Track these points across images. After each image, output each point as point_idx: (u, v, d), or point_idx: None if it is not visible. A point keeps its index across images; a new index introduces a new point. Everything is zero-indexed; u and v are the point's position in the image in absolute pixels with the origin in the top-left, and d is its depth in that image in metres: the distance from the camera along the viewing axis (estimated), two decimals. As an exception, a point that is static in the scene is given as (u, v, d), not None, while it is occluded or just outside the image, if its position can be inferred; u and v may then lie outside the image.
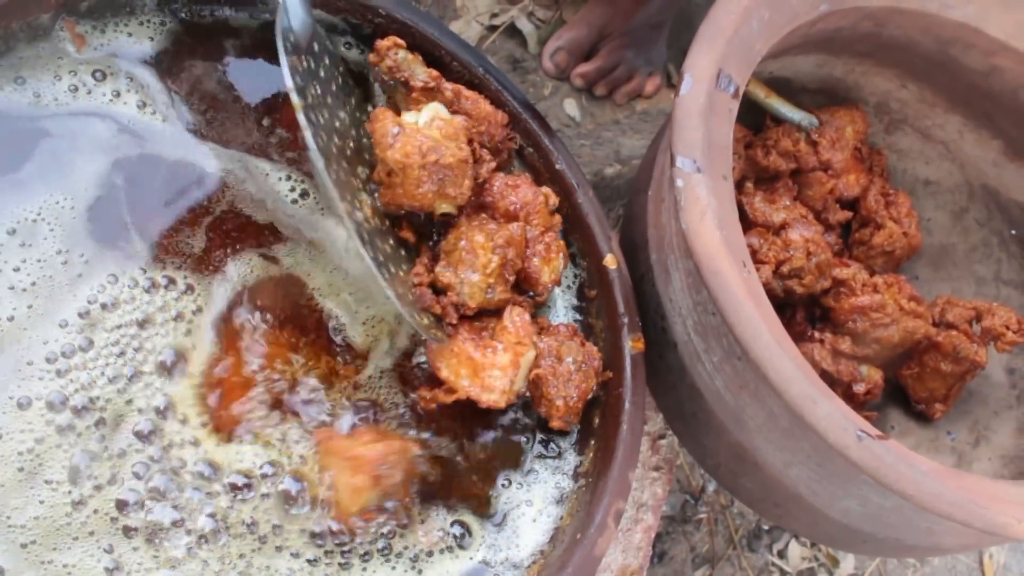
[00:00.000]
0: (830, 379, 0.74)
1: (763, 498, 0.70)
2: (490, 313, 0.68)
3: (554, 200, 0.71)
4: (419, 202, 0.64)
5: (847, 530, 0.66)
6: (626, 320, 0.69)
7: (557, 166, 0.72)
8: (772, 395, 0.56)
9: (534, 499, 0.66)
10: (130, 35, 0.67)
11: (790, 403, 0.53)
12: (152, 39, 0.68)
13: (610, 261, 0.70)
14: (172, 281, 0.64)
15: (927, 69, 0.79)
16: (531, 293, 0.70)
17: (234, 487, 0.61)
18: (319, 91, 0.65)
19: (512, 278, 0.67)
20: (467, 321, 0.67)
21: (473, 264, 0.65)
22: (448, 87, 0.68)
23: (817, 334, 0.75)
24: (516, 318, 0.66)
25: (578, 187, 0.72)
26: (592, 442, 0.68)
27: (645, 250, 0.70)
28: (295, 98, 0.59)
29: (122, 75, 0.67)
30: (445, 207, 0.65)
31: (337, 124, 0.66)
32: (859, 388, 0.75)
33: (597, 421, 0.68)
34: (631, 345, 0.68)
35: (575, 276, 0.73)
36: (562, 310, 0.73)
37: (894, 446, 0.53)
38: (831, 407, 0.53)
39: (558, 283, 0.70)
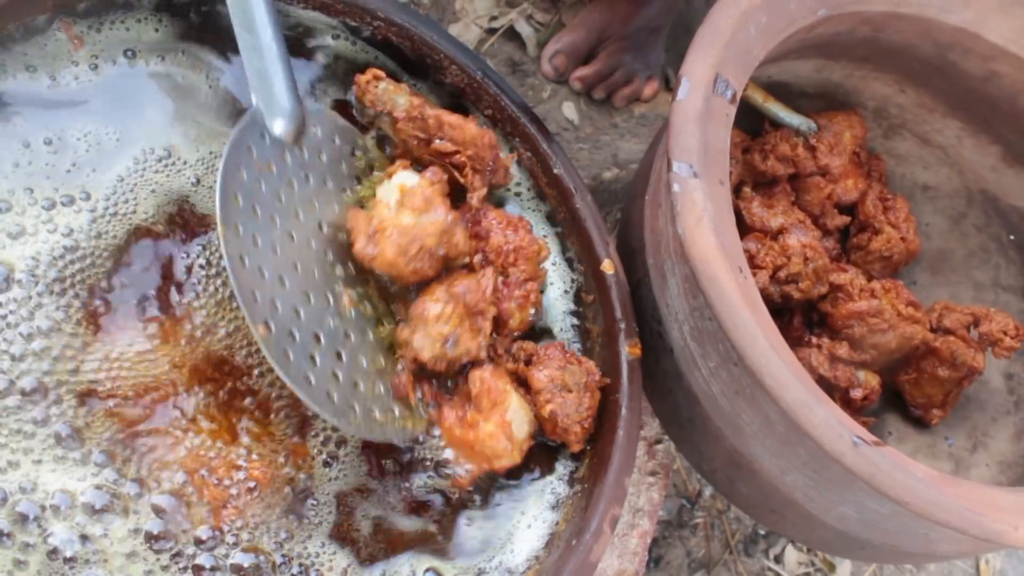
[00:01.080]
0: (827, 384, 0.74)
1: (759, 504, 0.70)
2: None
3: (546, 253, 0.70)
4: (428, 276, 0.64)
5: (843, 536, 0.66)
6: (623, 325, 0.68)
7: (555, 170, 0.72)
8: (768, 401, 0.56)
9: (528, 505, 0.66)
10: (127, 30, 0.67)
11: (786, 409, 0.53)
12: (157, 31, 0.68)
13: (607, 266, 0.70)
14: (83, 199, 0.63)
15: (926, 74, 0.79)
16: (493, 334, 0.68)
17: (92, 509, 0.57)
18: (308, 182, 0.65)
19: (483, 327, 0.64)
20: (448, 400, 0.66)
21: (425, 315, 0.63)
22: (431, 114, 0.68)
23: (814, 339, 0.75)
24: (478, 382, 0.64)
25: (576, 191, 0.72)
26: (588, 447, 0.67)
27: (642, 254, 0.70)
28: (219, 229, 0.58)
29: (163, 48, 0.68)
30: (459, 261, 0.65)
31: (324, 218, 0.65)
32: (856, 393, 0.75)
33: (593, 427, 0.68)
34: (628, 350, 0.68)
35: (572, 281, 0.73)
36: (559, 315, 0.72)
37: (890, 452, 0.53)
38: (827, 413, 0.53)
39: (524, 331, 0.69)
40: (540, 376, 0.65)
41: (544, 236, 0.74)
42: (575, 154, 1.04)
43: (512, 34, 1.10)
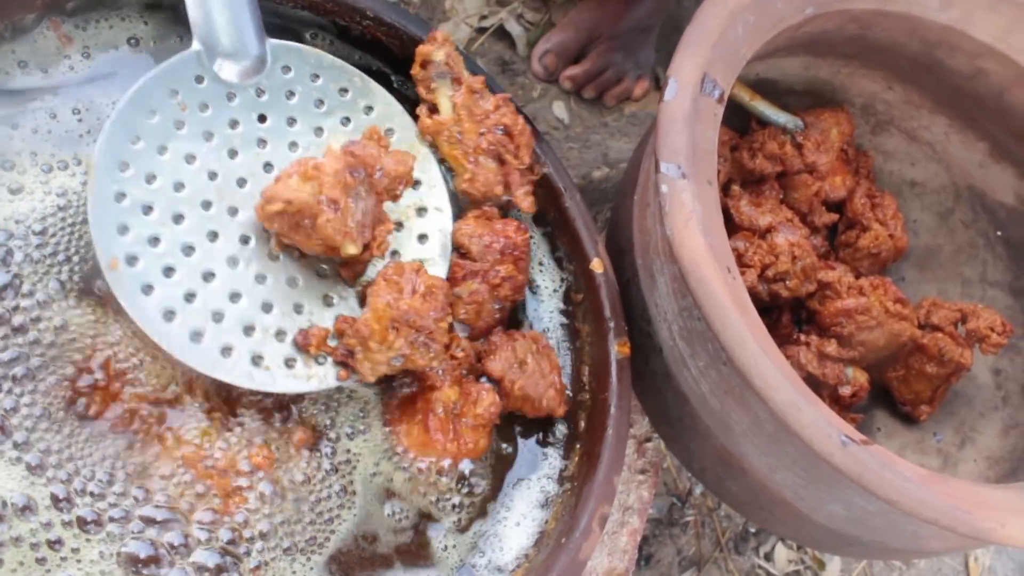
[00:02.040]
0: (816, 382, 0.74)
1: (749, 502, 0.70)
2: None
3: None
4: (313, 245, 0.60)
5: (833, 534, 0.67)
6: (612, 324, 0.69)
7: (545, 170, 0.72)
8: (757, 401, 0.56)
9: (517, 503, 0.66)
10: (111, 27, 0.67)
11: (775, 409, 0.53)
12: (146, 25, 0.68)
13: (597, 265, 0.70)
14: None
15: (913, 71, 0.79)
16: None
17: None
18: (262, 122, 0.64)
19: (435, 342, 0.61)
20: (396, 413, 0.65)
21: (367, 340, 0.60)
22: (491, 96, 0.68)
23: (803, 337, 0.75)
24: (440, 410, 0.64)
25: (565, 191, 0.72)
26: (577, 446, 0.68)
27: (631, 254, 0.70)
28: (92, 166, 0.57)
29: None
30: (348, 248, 0.60)
31: (277, 158, 0.63)
32: (845, 391, 0.75)
33: (583, 425, 0.68)
34: (617, 349, 0.68)
35: (561, 280, 0.73)
36: (548, 315, 0.73)
37: (878, 452, 0.53)
38: (815, 413, 0.53)
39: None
40: (495, 365, 0.65)
41: (532, 238, 0.74)
42: (565, 153, 1.04)
43: (502, 33, 1.10)
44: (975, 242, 0.85)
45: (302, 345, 0.61)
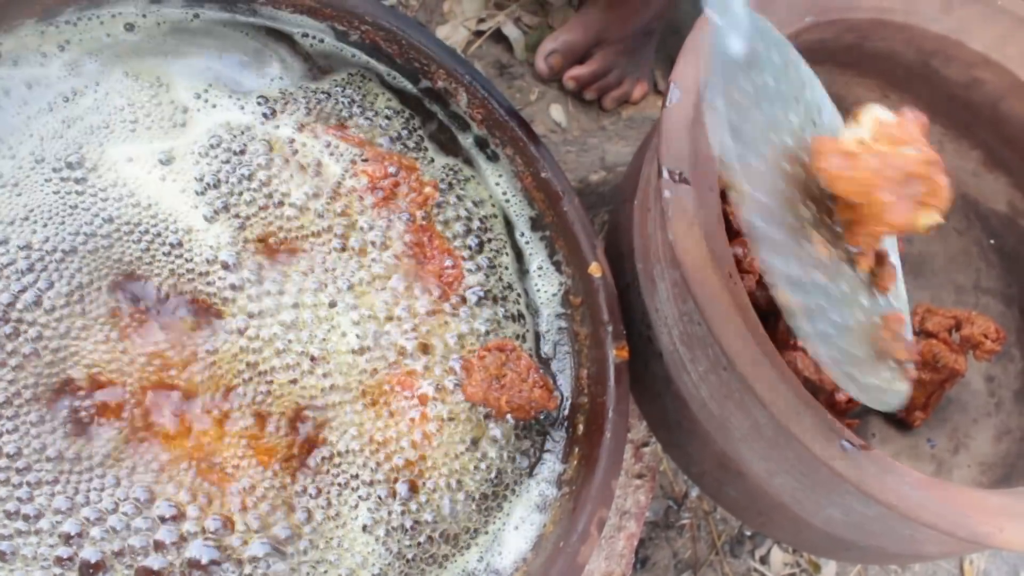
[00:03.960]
0: (813, 387, 0.74)
1: (747, 506, 0.70)
2: None
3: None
4: (894, 224, 0.55)
5: (830, 538, 0.67)
6: (610, 328, 0.69)
7: (543, 174, 0.72)
8: (757, 406, 0.56)
9: (515, 506, 0.66)
10: (108, 35, 0.67)
11: (775, 414, 0.53)
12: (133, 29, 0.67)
13: (595, 269, 0.70)
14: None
15: (909, 80, 0.80)
16: None
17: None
18: (760, 110, 0.54)
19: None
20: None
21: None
22: None
23: (800, 343, 0.75)
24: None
25: (564, 195, 0.72)
26: (575, 450, 0.68)
27: (631, 259, 0.70)
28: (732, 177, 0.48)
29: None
30: (928, 218, 0.56)
31: (779, 152, 0.55)
32: (841, 396, 0.75)
33: (581, 429, 0.68)
34: (615, 353, 0.68)
35: (560, 284, 0.73)
36: (546, 318, 0.73)
37: (878, 457, 0.54)
38: (816, 418, 0.53)
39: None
40: (475, 391, 0.66)
41: (528, 242, 0.74)
42: (562, 157, 1.04)
43: (500, 36, 1.10)
44: (968, 250, 0.86)
45: (898, 357, 0.56)
